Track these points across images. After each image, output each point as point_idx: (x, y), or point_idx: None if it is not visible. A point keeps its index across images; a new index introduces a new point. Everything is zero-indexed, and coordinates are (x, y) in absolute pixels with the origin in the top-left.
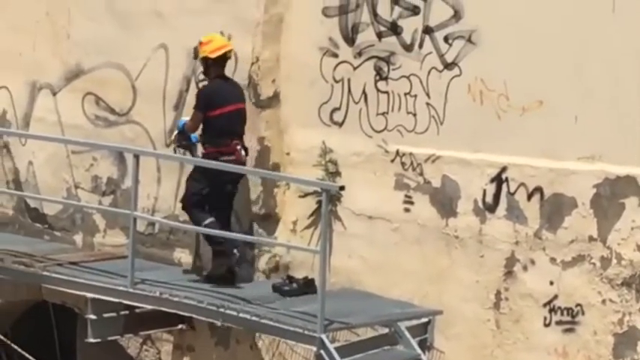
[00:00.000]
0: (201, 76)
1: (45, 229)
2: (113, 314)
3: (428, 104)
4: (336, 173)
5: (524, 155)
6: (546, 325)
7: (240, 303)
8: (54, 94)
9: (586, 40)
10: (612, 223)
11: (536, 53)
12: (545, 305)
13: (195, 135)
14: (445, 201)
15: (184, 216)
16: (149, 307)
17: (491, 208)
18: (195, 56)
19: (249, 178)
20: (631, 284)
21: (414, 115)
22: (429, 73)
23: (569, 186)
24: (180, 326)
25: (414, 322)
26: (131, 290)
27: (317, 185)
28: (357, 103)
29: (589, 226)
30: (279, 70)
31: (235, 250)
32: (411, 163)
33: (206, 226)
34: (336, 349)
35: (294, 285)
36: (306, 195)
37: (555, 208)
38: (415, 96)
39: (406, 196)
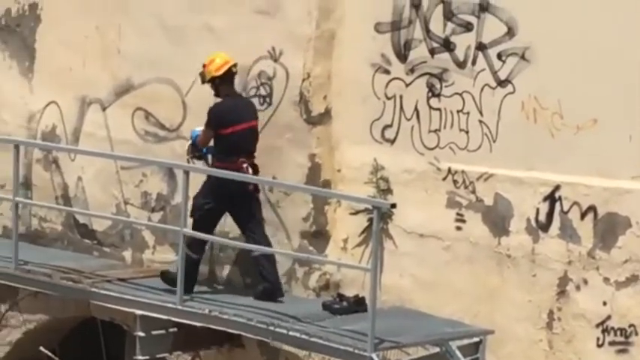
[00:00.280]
0: (252, 92)
1: (94, 245)
2: (162, 331)
3: (481, 122)
4: (388, 191)
5: (577, 174)
6: (599, 346)
7: (290, 321)
8: (104, 109)
9: None
10: None
11: (590, 71)
12: (598, 326)
13: (209, 148)
14: (497, 219)
15: (233, 233)
16: (198, 324)
17: (544, 227)
18: (203, 80)
19: (300, 195)
20: None
21: (467, 132)
22: (481, 90)
23: (623, 205)
24: (229, 344)
25: (465, 341)
26: (180, 307)
27: (368, 203)
28: (409, 120)
29: None
30: (330, 87)
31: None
32: (463, 181)
33: (190, 257)
34: None
35: (345, 303)
36: (357, 212)
37: (609, 228)
38: (468, 113)
39: (458, 214)
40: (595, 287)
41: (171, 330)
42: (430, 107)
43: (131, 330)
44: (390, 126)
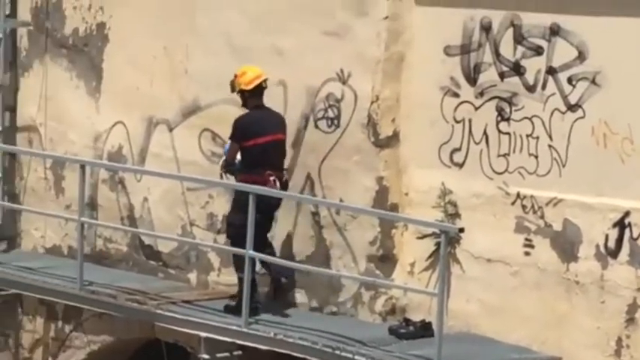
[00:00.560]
0: (320, 115)
1: (159, 266)
2: (226, 354)
3: (550, 146)
4: (456, 215)
5: None
6: None
7: (356, 345)
8: (170, 129)
9: None
10: None
11: None
12: None
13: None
14: (566, 245)
15: (300, 256)
16: (263, 347)
17: (614, 253)
18: (232, 89)
19: (367, 219)
20: None
21: (536, 157)
22: (551, 114)
23: None
24: None
25: None
26: (245, 330)
27: (436, 227)
28: (477, 143)
29: None
30: (399, 109)
31: (283, 279)
32: (532, 206)
33: (240, 278)
34: None
35: (411, 328)
36: (424, 236)
37: None
38: (537, 138)
39: (526, 239)
40: None
41: (235, 353)
42: (499, 131)
43: (195, 352)
44: (459, 150)
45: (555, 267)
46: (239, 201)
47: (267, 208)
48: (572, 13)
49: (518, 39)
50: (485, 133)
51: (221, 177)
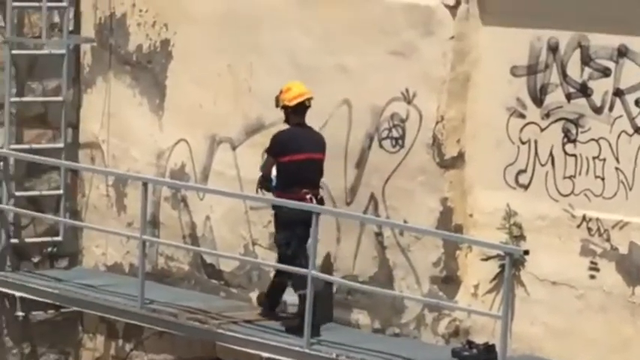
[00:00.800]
0: (384, 134)
1: (221, 285)
2: None
3: (617, 169)
4: (520, 237)
5: None
6: None
7: None
8: (233, 148)
9: None
10: None
11: None
12: None
13: (274, 180)
14: (632, 269)
15: (363, 276)
16: None
17: None
18: (276, 104)
19: (431, 240)
20: None
21: (602, 179)
22: (618, 136)
23: None
24: None
25: None
26: (307, 351)
27: (500, 249)
28: (543, 165)
29: None
30: (464, 130)
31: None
32: (598, 229)
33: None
34: None
35: (474, 350)
36: (488, 258)
37: None
38: (604, 160)
39: (592, 262)
40: None
41: None
42: (565, 153)
43: None
44: (524, 171)
45: (621, 290)
46: (280, 219)
47: (308, 224)
48: None
49: (586, 60)
50: (551, 154)
51: (257, 193)
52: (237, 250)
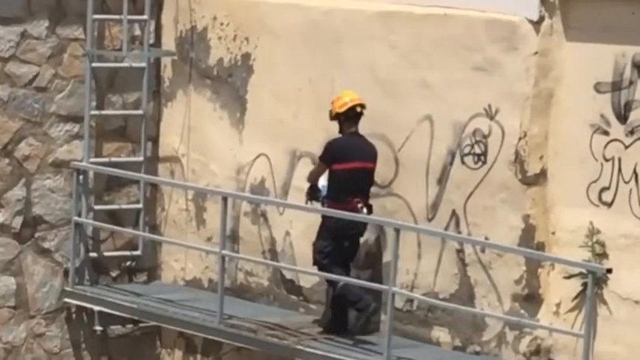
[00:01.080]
0: (466, 150)
1: (300, 301)
2: None
3: None
4: (603, 255)
5: None
6: None
7: None
8: (314, 163)
9: None
10: None
11: None
12: None
13: (324, 190)
14: None
15: (444, 293)
16: None
17: None
18: (330, 117)
19: (513, 257)
20: None
21: None
22: None
23: None
24: None
25: None
26: None
27: (583, 267)
28: (627, 182)
29: None
30: (547, 147)
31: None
32: None
33: (341, 287)
34: None
35: None
36: (571, 276)
37: None
38: None
39: None
40: None
41: None
42: None
43: None
44: (608, 188)
45: None
46: (327, 227)
47: (356, 235)
48: None
49: None
50: (634, 172)
51: (305, 204)
52: None
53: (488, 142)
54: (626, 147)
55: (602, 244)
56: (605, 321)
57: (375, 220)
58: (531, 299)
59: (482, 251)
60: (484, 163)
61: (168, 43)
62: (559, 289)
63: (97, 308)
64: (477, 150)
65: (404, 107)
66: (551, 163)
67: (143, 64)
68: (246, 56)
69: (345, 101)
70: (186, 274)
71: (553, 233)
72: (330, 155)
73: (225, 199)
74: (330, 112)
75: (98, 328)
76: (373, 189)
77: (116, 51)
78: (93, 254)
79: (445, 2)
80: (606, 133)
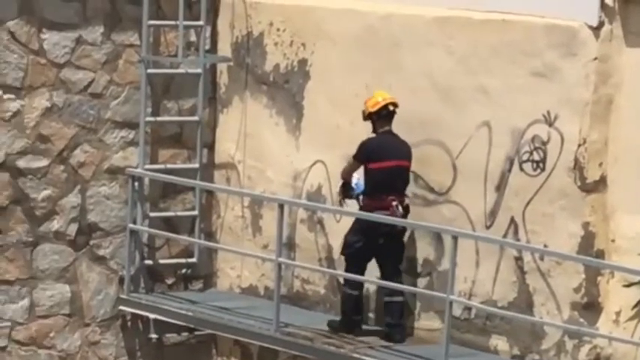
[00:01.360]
0: (525, 157)
1: None
2: None
3: None
4: None
5: None
6: None
7: None
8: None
9: None
10: None
11: None
12: None
13: (360, 187)
14: None
15: (502, 301)
16: None
17: None
18: (363, 117)
19: (572, 265)
20: None
21: None
22: None
23: None
24: None
25: None
26: None
27: None
28: None
29: None
30: (606, 153)
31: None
32: None
33: (346, 293)
34: None
35: None
36: (630, 284)
37: None
38: None
39: None
40: None
41: None
42: None
43: None
44: None
45: None
46: (359, 223)
47: (392, 233)
48: None
49: None
50: None
51: (340, 204)
52: (374, 273)
53: (547, 149)
54: None
55: None
56: None
57: (433, 227)
58: (591, 307)
59: (541, 259)
60: (543, 169)
61: (224, 49)
62: (619, 298)
63: (152, 316)
64: (536, 157)
65: (462, 113)
66: (610, 170)
67: (199, 70)
68: (303, 62)
69: (378, 100)
70: (242, 282)
71: (613, 241)
72: (364, 155)
73: (281, 206)
74: (363, 112)
75: (153, 336)
76: (431, 196)
77: (172, 57)
78: (148, 262)
79: (504, 8)
80: None
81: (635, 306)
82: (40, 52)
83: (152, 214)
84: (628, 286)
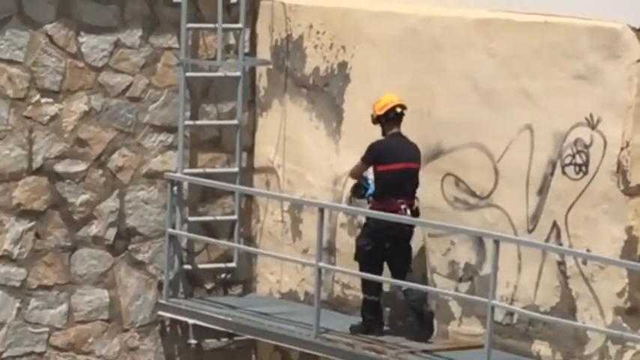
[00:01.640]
0: (567, 160)
1: (398, 314)
2: None
3: None
4: None
5: None
6: None
7: None
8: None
9: None
10: None
11: None
12: None
13: (372, 187)
14: None
15: (545, 306)
16: None
17: None
18: (372, 121)
19: (615, 270)
20: None
21: None
22: None
23: None
24: None
25: None
26: None
27: None
28: None
29: None
30: None
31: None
32: None
33: (367, 300)
34: None
35: None
36: None
37: None
38: None
39: None
40: None
41: None
42: None
43: None
44: None
45: None
46: (368, 226)
47: (400, 236)
48: None
49: None
50: None
51: (349, 202)
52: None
53: (590, 152)
54: None
55: None
56: None
57: (475, 231)
58: (634, 312)
59: (584, 263)
60: (585, 173)
61: (264, 51)
62: None
63: (191, 321)
64: (579, 160)
65: (503, 116)
66: None
67: (238, 74)
68: (343, 65)
69: (386, 103)
70: (282, 287)
71: None
72: (372, 157)
73: (321, 211)
74: (372, 115)
75: (193, 341)
76: (473, 200)
77: (210, 60)
78: (187, 266)
79: (545, 9)
80: None
81: None
82: (77, 56)
83: (191, 219)
84: None
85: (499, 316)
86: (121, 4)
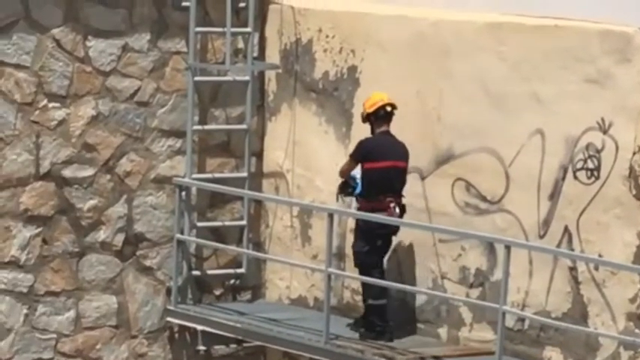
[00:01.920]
0: (579, 165)
1: (408, 320)
2: None
3: None
4: None
5: None
6: None
7: None
8: (422, 178)
9: None
10: None
11: None
12: None
13: (359, 186)
14: None
15: (556, 312)
16: None
17: None
18: (362, 119)
19: (628, 275)
20: None
21: None
22: None
23: None
24: None
25: None
26: None
27: None
28: None
29: None
30: None
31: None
32: None
33: (371, 305)
34: None
35: None
36: None
37: None
38: None
39: None
40: None
41: None
42: None
43: None
44: None
45: None
46: (359, 228)
47: (389, 234)
48: None
49: None
50: None
51: (337, 199)
52: (426, 284)
53: (602, 157)
54: None
55: None
56: None
57: (486, 237)
58: None
59: (596, 269)
60: (597, 178)
61: (273, 56)
62: None
63: (200, 328)
64: (590, 165)
65: (514, 121)
66: None
67: (247, 78)
68: (352, 69)
69: (375, 101)
70: (292, 293)
71: None
72: (360, 154)
73: (331, 216)
74: (362, 114)
75: (201, 347)
76: (483, 205)
77: (219, 64)
78: (196, 272)
79: (556, 13)
80: None
81: None
82: (85, 60)
83: (200, 224)
84: None
85: (510, 322)
86: (129, 8)
